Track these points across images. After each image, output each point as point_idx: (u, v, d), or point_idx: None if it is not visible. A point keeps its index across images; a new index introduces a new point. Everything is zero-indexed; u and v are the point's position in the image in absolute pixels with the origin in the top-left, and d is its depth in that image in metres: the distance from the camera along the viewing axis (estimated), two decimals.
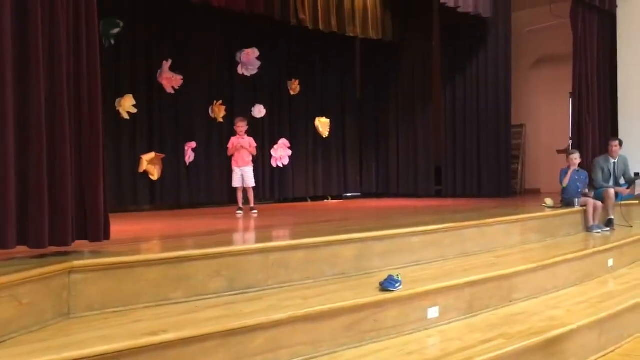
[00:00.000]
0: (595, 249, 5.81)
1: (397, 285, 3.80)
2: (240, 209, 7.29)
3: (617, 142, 7.92)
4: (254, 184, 7.49)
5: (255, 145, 7.53)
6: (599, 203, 7.15)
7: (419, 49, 10.93)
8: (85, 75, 3.57)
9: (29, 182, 3.26)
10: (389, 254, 4.62)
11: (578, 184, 7.30)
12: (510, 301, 4.52)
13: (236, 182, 7.37)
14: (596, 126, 8.85)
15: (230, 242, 4.53)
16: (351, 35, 10.10)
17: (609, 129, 9.11)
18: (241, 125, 7.38)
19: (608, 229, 7.09)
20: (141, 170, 8.10)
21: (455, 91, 10.38)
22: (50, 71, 3.37)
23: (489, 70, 9.94)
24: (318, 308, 3.43)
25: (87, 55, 3.58)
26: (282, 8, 8.86)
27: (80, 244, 3.62)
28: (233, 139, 7.43)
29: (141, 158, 8.10)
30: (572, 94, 9.14)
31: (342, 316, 3.50)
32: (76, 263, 3.21)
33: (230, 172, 7.57)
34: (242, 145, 7.31)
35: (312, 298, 3.64)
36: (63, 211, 3.37)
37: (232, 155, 7.41)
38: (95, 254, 3.56)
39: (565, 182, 7.26)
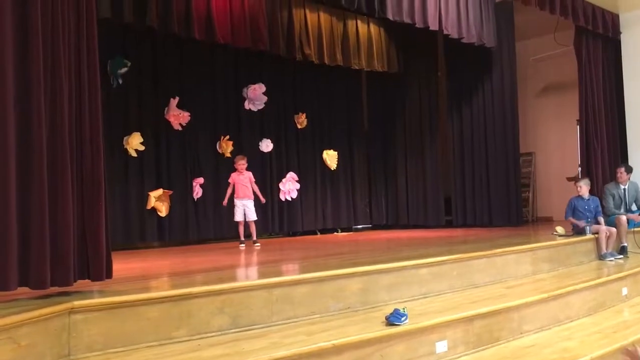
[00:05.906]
0: (609, 277, 5.71)
1: (402, 319, 3.73)
2: (242, 241, 7.40)
3: (623, 169, 7.84)
4: (255, 218, 7.61)
5: (253, 180, 7.69)
6: (613, 230, 7.04)
7: (425, 79, 10.97)
8: (87, 115, 3.60)
9: (30, 222, 3.25)
10: (396, 287, 4.55)
11: (587, 213, 7.22)
12: (521, 333, 4.42)
13: (238, 216, 7.49)
14: (605, 152, 8.77)
15: (234, 278, 4.50)
16: (357, 67, 10.15)
17: (619, 154, 9.03)
18: (241, 164, 7.58)
19: (621, 256, 6.97)
20: (149, 207, 8.11)
21: (463, 121, 10.36)
22: (52, 112, 3.40)
23: (495, 100, 9.93)
24: (322, 344, 3.37)
25: (89, 95, 3.61)
26: (287, 44, 8.91)
27: (83, 284, 3.60)
28: (233, 175, 7.63)
29: (149, 195, 8.12)
30: (579, 121, 9.11)
31: (348, 352, 3.44)
32: (76, 303, 3.18)
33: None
34: (242, 182, 7.50)
35: (316, 334, 3.58)
36: (65, 251, 3.35)
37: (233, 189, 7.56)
38: (97, 293, 3.53)
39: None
